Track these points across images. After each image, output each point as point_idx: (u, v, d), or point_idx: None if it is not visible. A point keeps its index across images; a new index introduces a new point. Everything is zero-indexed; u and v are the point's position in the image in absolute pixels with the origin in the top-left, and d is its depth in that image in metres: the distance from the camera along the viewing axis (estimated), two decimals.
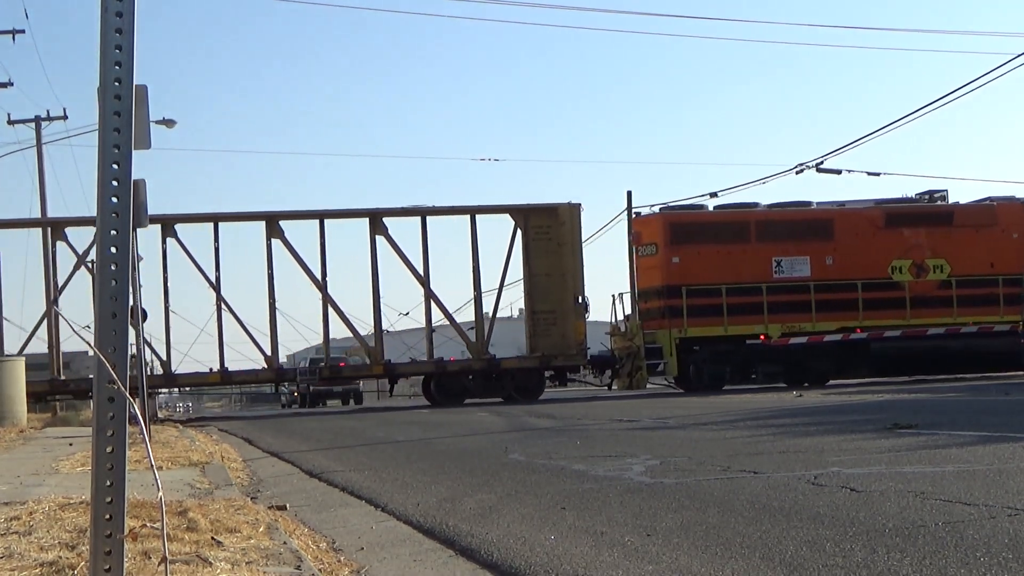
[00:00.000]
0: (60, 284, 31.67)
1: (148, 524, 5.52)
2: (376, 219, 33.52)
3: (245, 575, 5.30)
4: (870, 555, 5.24)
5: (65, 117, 45.88)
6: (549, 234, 34.21)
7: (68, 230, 32.11)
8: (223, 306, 32.60)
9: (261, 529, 6.71)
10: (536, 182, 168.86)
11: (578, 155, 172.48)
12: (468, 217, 34.20)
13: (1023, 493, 6.92)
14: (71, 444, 16.60)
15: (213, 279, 32.48)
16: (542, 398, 33.65)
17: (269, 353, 33.09)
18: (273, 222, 33.08)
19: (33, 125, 45.09)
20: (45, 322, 31.73)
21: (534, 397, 33.78)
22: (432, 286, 34.07)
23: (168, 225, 32.15)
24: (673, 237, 33.57)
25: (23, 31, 51.40)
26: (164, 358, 32.41)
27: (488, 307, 35.01)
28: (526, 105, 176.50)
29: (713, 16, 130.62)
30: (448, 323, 35.09)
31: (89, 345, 3.94)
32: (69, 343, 36.97)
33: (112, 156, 4.01)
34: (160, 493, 4.14)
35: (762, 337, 33.37)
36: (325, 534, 7.32)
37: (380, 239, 33.54)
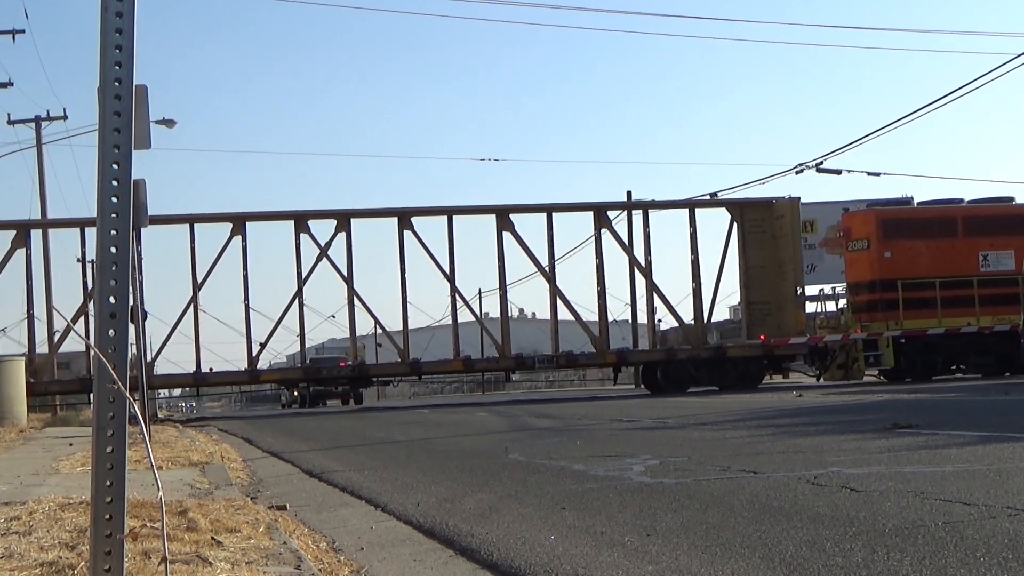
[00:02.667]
0: (304, 276, 33.67)
1: (148, 524, 5.52)
2: (600, 212, 35.58)
3: (245, 575, 5.29)
4: (870, 555, 5.24)
5: (65, 117, 45.93)
6: (763, 227, 36.00)
7: (311, 222, 34.24)
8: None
9: (261, 529, 6.71)
10: (536, 182, 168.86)
11: (578, 155, 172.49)
12: (687, 211, 36.42)
13: (1023, 493, 6.91)
14: (71, 444, 16.61)
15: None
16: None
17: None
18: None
19: (33, 125, 45.10)
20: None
21: (755, 385, 34.94)
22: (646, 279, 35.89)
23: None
24: (885, 232, 34.47)
25: (23, 31, 51.42)
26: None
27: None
28: (526, 105, 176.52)
29: (713, 16, 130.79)
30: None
31: (89, 345, 3.94)
32: (69, 343, 37.07)
33: (112, 156, 4.01)
34: (160, 493, 4.14)
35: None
36: (325, 534, 7.32)
37: (605, 232, 35.38)
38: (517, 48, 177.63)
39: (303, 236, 33.81)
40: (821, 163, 39.42)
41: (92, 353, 3.97)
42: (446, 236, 34.34)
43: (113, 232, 4.00)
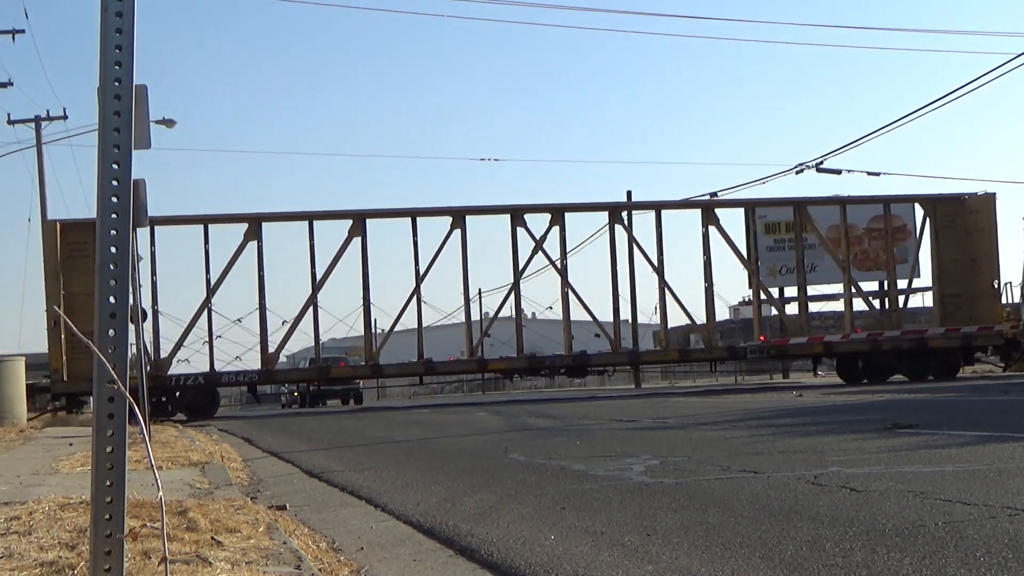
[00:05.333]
0: (521, 268, 35.16)
1: (148, 524, 5.52)
2: (800, 208, 37.37)
3: (245, 575, 5.29)
4: (870, 555, 5.24)
5: (65, 117, 45.94)
6: (955, 222, 37.12)
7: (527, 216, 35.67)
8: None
9: (261, 529, 6.71)
10: (536, 182, 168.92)
11: (578, 155, 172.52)
12: (882, 206, 38.10)
13: (1023, 493, 6.91)
14: (71, 444, 16.62)
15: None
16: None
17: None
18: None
19: (33, 125, 45.11)
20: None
21: (952, 375, 35.44)
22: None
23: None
24: None
25: (23, 31, 51.47)
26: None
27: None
28: (526, 105, 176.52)
29: (713, 16, 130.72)
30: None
31: (89, 345, 3.93)
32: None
33: (112, 156, 4.00)
34: (160, 493, 4.14)
35: None
36: (325, 534, 7.32)
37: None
38: (518, 48, 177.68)
39: (519, 230, 34.95)
40: (821, 163, 39.56)
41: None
42: (655, 232, 35.84)
43: (113, 232, 4.00)
